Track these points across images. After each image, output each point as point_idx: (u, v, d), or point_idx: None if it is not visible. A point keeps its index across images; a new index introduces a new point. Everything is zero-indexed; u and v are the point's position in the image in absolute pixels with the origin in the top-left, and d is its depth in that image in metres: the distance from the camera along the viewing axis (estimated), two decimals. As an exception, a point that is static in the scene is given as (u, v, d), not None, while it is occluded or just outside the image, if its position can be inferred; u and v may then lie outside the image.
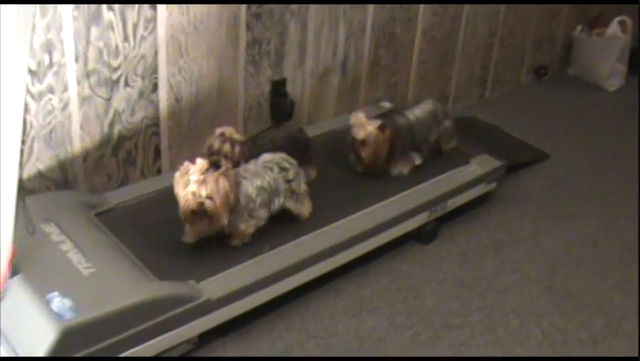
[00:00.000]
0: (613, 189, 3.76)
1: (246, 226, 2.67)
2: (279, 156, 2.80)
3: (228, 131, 2.81)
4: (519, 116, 4.40)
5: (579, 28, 4.91)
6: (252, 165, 2.74)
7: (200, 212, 2.51)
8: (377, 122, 3.08)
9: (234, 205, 2.58)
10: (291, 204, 2.80)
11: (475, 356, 2.67)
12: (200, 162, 2.50)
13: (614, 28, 4.76)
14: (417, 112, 3.25)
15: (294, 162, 2.83)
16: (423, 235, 3.17)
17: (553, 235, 3.37)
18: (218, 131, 2.82)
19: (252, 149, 2.86)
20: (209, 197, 2.49)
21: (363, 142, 3.07)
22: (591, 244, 3.33)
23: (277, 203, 2.74)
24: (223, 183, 2.51)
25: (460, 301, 2.92)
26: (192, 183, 2.48)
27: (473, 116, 4.24)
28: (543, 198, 3.64)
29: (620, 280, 3.11)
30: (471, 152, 3.42)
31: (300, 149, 2.96)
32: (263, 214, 2.71)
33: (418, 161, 3.25)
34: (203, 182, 2.48)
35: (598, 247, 3.32)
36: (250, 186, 2.65)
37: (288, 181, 2.77)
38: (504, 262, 3.16)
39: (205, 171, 2.49)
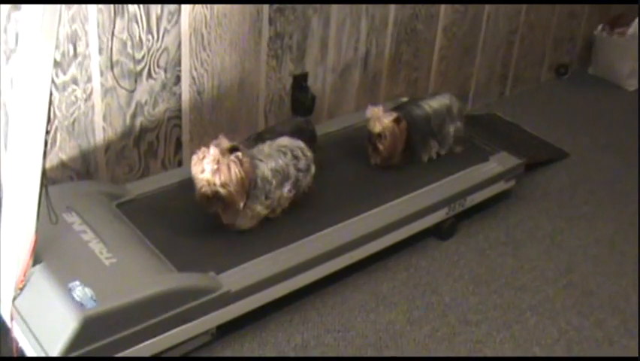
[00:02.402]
0: (631, 188, 3.75)
1: (261, 208, 2.69)
2: (296, 144, 2.83)
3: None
4: (539, 115, 4.39)
5: (600, 27, 4.89)
6: (266, 147, 2.77)
7: (214, 198, 2.55)
8: (393, 115, 3.09)
9: (251, 189, 2.61)
10: (287, 196, 2.81)
11: (483, 356, 2.67)
12: (214, 150, 2.52)
13: (635, 28, 4.74)
14: (433, 103, 3.26)
15: (310, 154, 2.85)
16: (441, 232, 3.18)
17: (571, 234, 3.36)
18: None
19: (258, 143, 2.87)
20: (223, 185, 2.53)
21: (380, 135, 3.08)
22: (609, 244, 3.33)
23: (285, 188, 2.77)
24: (236, 170, 2.53)
25: (478, 297, 2.93)
26: (206, 171, 2.52)
27: (493, 114, 4.24)
28: (562, 197, 3.63)
29: (637, 280, 3.10)
30: (490, 149, 3.42)
31: (305, 140, 2.96)
32: (278, 195, 2.74)
33: (436, 148, 3.27)
34: (217, 170, 2.52)
35: (615, 246, 3.31)
36: (265, 168, 2.68)
37: (298, 170, 2.79)
38: (522, 259, 3.16)
39: (219, 159, 2.52)
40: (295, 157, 2.79)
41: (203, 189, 2.55)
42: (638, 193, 3.68)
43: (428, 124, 3.21)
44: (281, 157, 2.75)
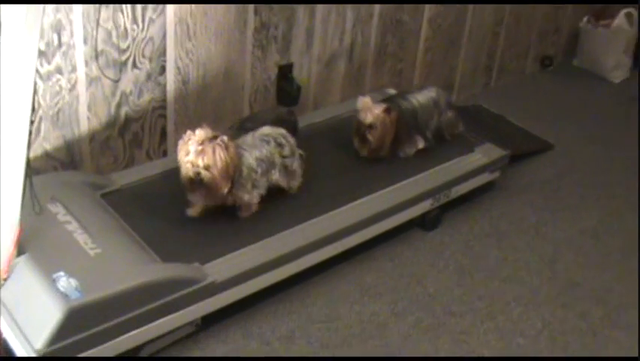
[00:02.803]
0: (616, 180, 3.76)
1: (250, 197, 2.70)
2: (278, 132, 2.84)
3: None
4: (524, 106, 4.40)
5: (585, 19, 4.89)
6: (249, 137, 2.77)
7: (197, 181, 2.55)
8: (383, 106, 3.09)
9: (237, 177, 2.61)
10: (282, 181, 2.83)
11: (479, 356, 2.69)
12: (199, 133, 2.53)
13: (620, 20, 4.75)
14: (420, 97, 3.26)
15: (292, 140, 2.86)
16: (426, 223, 3.19)
17: (555, 226, 3.38)
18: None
19: (240, 132, 2.86)
20: (207, 167, 2.53)
21: (371, 126, 3.08)
22: (593, 235, 3.34)
23: (273, 176, 2.78)
24: (221, 154, 2.53)
25: (462, 288, 2.94)
26: (191, 153, 2.52)
27: (478, 105, 4.24)
28: (546, 189, 3.64)
29: (621, 271, 3.12)
30: (475, 140, 3.43)
31: (287, 130, 2.94)
32: (264, 183, 2.75)
33: (421, 144, 3.26)
34: (201, 152, 2.52)
35: (599, 238, 3.33)
36: (250, 157, 2.69)
37: (283, 157, 2.80)
38: (506, 251, 3.17)
39: (204, 142, 2.52)
40: (279, 144, 2.80)
41: (187, 172, 2.55)
42: (638, 186, 3.69)
43: (415, 118, 3.21)
44: (265, 146, 2.75)
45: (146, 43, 2.86)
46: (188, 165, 2.54)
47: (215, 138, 2.54)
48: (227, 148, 2.55)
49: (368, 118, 3.08)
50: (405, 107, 3.20)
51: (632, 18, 4.76)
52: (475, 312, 2.83)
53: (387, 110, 3.08)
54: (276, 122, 2.95)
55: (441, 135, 3.34)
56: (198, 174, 2.54)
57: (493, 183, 3.48)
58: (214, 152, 2.52)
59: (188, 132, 2.56)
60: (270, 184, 2.78)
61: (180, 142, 2.57)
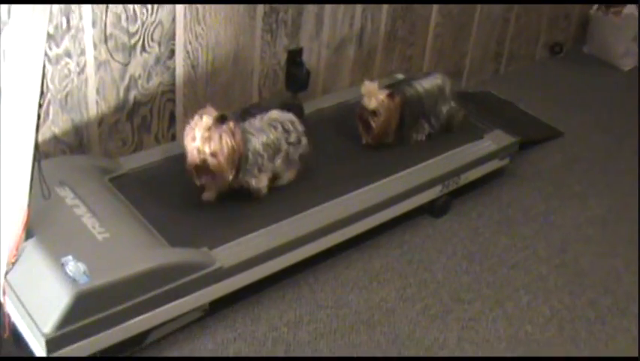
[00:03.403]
0: (625, 168, 3.75)
1: (257, 181, 2.70)
2: (287, 118, 2.83)
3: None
4: (533, 93, 4.38)
5: (596, 6, 4.87)
6: (257, 121, 2.76)
7: (203, 167, 2.54)
8: (387, 91, 3.07)
9: (242, 163, 2.61)
10: (282, 169, 2.82)
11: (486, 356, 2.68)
12: (206, 119, 2.52)
13: (630, 7, 4.73)
14: (425, 84, 3.24)
15: (301, 128, 2.85)
16: (435, 209, 3.18)
17: (564, 213, 3.37)
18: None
19: (246, 117, 2.86)
20: (213, 154, 2.52)
21: (374, 112, 3.05)
22: (601, 224, 3.33)
23: (276, 162, 2.77)
24: (227, 140, 2.52)
25: (471, 275, 2.93)
26: (197, 139, 2.51)
27: (487, 92, 4.22)
28: (555, 176, 3.63)
29: (629, 260, 3.11)
30: (485, 127, 3.41)
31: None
32: (271, 168, 2.75)
33: (427, 130, 3.25)
34: (207, 139, 2.51)
35: (608, 226, 3.32)
36: (257, 142, 2.68)
37: (289, 144, 2.79)
38: (515, 238, 3.16)
39: (210, 128, 2.51)
40: (286, 130, 2.79)
41: (193, 158, 2.54)
42: (639, 173, 3.68)
43: (420, 104, 3.19)
44: (272, 131, 2.74)
45: (155, 26, 2.85)
46: (195, 152, 2.53)
47: (221, 121, 2.53)
48: (233, 135, 2.54)
49: (372, 103, 3.05)
50: (409, 94, 3.17)
51: (644, 5, 4.74)
52: (484, 299, 2.83)
53: (390, 96, 3.05)
54: (282, 108, 2.93)
55: (444, 124, 3.32)
56: (204, 160, 2.53)
57: (502, 170, 3.46)
58: (220, 138, 2.51)
59: (196, 118, 2.55)
60: (273, 170, 2.78)
61: (187, 127, 2.56)
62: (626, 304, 2.87)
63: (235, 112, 2.99)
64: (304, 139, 2.85)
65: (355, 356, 2.54)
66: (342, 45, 3.58)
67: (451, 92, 3.32)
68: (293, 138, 2.80)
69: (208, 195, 2.70)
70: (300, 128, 2.85)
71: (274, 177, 2.82)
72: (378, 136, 3.11)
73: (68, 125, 2.80)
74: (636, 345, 2.71)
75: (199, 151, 2.52)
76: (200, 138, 2.51)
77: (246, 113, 2.92)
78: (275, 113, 2.81)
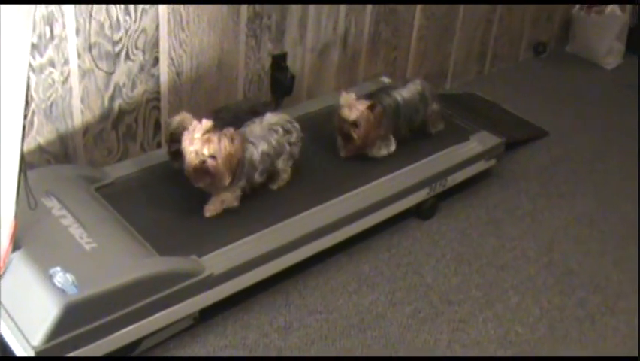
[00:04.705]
0: (611, 167, 3.76)
1: (233, 191, 2.68)
2: (284, 118, 2.84)
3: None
4: (518, 93, 4.39)
5: (578, 5, 4.89)
6: (257, 127, 2.75)
7: (202, 170, 2.54)
8: (367, 102, 3.00)
9: (239, 171, 2.61)
10: (284, 168, 2.83)
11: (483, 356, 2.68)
12: (205, 122, 2.52)
13: (613, 6, 4.74)
14: (404, 93, 3.18)
15: (297, 125, 2.86)
16: (422, 212, 3.18)
17: (551, 213, 3.37)
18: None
19: (215, 121, 2.85)
20: (212, 156, 2.52)
21: (355, 123, 2.98)
22: (589, 222, 3.34)
23: (278, 165, 2.79)
24: (226, 144, 2.53)
25: (460, 277, 2.93)
26: (196, 142, 2.51)
27: (472, 93, 4.23)
28: (542, 176, 3.64)
29: (618, 258, 3.12)
30: (470, 128, 3.42)
31: None
32: (259, 180, 2.75)
33: (392, 147, 3.17)
34: (206, 141, 2.51)
35: (596, 225, 3.33)
36: (255, 152, 2.68)
37: (290, 144, 2.80)
38: (503, 239, 3.17)
39: (209, 131, 2.51)
40: (287, 131, 2.81)
41: (191, 160, 2.53)
42: (638, 171, 3.69)
43: (396, 117, 3.15)
44: (273, 136, 2.75)
45: (139, 34, 2.84)
46: (193, 155, 2.52)
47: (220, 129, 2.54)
48: (232, 140, 2.54)
49: (352, 115, 2.98)
50: (387, 104, 3.10)
51: (624, 4, 4.75)
52: (473, 301, 2.83)
53: (371, 107, 2.98)
54: (251, 112, 2.93)
55: (425, 130, 3.31)
56: (203, 162, 2.52)
57: (488, 171, 3.47)
58: (219, 141, 2.51)
59: (194, 122, 2.54)
60: (272, 171, 2.79)
61: (186, 133, 2.55)
62: (615, 302, 2.88)
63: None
64: (301, 136, 2.87)
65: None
66: (326, 49, 3.58)
67: (432, 94, 3.29)
68: (294, 138, 2.83)
69: (210, 211, 2.69)
70: (297, 125, 2.86)
71: (274, 177, 2.83)
72: (359, 148, 3.05)
73: (53, 135, 2.78)
74: (627, 343, 2.71)
75: (197, 153, 2.51)
76: (200, 140, 2.50)
77: (216, 117, 2.89)
78: (273, 117, 2.81)
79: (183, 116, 2.68)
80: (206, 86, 3.15)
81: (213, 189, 2.63)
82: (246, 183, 2.70)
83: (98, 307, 2.17)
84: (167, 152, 2.81)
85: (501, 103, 4.15)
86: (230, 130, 2.55)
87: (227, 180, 2.58)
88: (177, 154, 2.64)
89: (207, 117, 2.78)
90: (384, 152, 3.14)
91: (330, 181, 2.95)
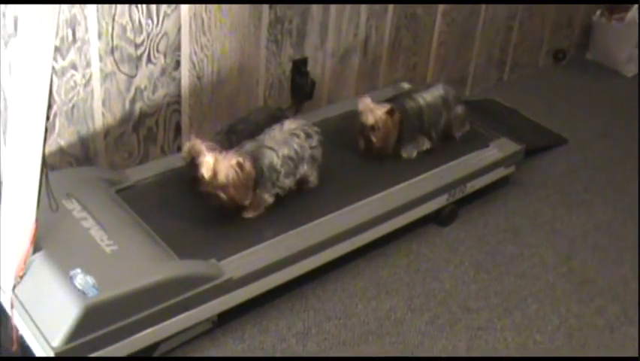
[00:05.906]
0: (630, 175, 3.74)
1: (268, 196, 2.70)
2: (303, 123, 2.84)
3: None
4: (537, 100, 4.38)
5: (598, 12, 4.87)
6: (277, 133, 2.75)
7: (219, 201, 2.57)
8: (385, 107, 3.05)
9: (258, 179, 2.62)
10: (310, 172, 2.83)
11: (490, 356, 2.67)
12: (210, 158, 2.52)
13: (633, 13, 4.72)
14: (427, 96, 3.21)
15: (317, 128, 2.86)
16: (441, 218, 3.17)
17: (570, 221, 3.36)
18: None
19: (232, 135, 2.85)
20: (223, 189, 2.54)
21: (373, 127, 3.04)
22: (608, 231, 3.32)
23: (302, 170, 2.78)
24: (234, 177, 2.53)
25: (478, 284, 2.93)
26: (205, 173, 2.52)
27: (492, 99, 4.22)
28: (561, 183, 3.62)
29: (637, 267, 3.10)
30: (490, 135, 3.41)
31: None
32: (288, 183, 2.75)
33: (426, 145, 3.22)
34: (214, 177, 2.52)
35: (615, 233, 3.31)
36: (275, 157, 2.68)
37: (312, 148, 2.80)
38: (522, 246, 3.16)
39: (215, 163, 2.52)
40: (308, 135, 2.80)
41: (204, 188, 2.55)
42: (638, 179, 3.67)
43: (420, 119, 3.18)
44: (294, 140, 2.75)
45: (161, 37, 2.85)
46: (205, 184, 2.54)
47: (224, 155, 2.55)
48: (241, 168, 2.54)
49: (370, 120, 3.03)
50: (409, 107, 3.15)
51: (646, 11, 4.74)
52: (492, 308, 2.82)
53: (389, 112, 3.04)
54: (269, 120, 2.92)
55: (449, 133, 3.32)
56: (217, 196, 2.55)
57: (508, 177, 3.46)
58: (227, 175, 2.52)
59: (201, 157, 2.54)
60: (300, 177, 2.80)
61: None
62: (635, 312, 2.86)
63: (220, 130, 2.99)
64: (321, 140, 2.87)
65: (364, 366, 2.54)
66: (347, 55, 3.58)
67: (455, 98, 3.31)
68: (315, 141, 2.82)
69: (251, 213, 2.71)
70: (317, 129, 2.87)
71: (303, 182, 2.84)
72: (379, 150, 3.10)
73: (74, 138, 2.80)
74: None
75: (209, 185, 2.53)
76: (207, 170, 2.51)
77: (231, 131, 2.90)
78: (292, 123, 2.81)
79: (193, 142, 2.64)
80: (226, 90, 3.16)
81: (232, 206, 2.64)
82: (275, 188, 2.71)
83: (117, 310, 2.18)
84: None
85: (521, 110, 4.13)
86: (239, 159, 2.54)
87: (245, 201, 2.60)
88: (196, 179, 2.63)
89: (219, 135, 2.82)
90: (412, 153, 3.18)
91: (349, 187, 2.95)
